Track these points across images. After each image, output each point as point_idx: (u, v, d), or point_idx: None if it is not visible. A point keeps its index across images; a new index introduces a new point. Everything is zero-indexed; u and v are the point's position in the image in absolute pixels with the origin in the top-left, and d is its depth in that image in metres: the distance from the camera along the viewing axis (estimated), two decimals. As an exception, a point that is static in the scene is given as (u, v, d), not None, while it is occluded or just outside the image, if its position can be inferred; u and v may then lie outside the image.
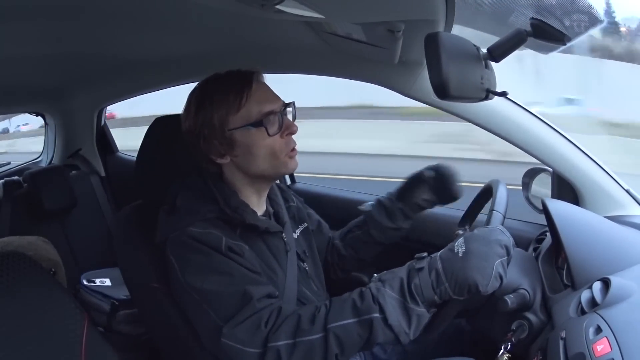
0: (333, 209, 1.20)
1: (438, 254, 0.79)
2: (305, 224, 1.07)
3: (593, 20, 0.75)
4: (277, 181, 1.10)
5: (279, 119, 0.88)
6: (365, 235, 1.09)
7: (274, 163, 0.89)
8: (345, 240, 1.13)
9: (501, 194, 0.91)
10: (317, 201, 1.18)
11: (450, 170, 1.04)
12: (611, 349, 0.62)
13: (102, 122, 2.13)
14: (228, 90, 0.86)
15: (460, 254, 0.76)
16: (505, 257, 0.76)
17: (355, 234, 1.11)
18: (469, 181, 1.28)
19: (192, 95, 0.90)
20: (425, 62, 0.68)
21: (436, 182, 1.04)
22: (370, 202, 1.11)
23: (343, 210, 1.20)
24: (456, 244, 0.78)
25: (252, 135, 0.86)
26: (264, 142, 0.87)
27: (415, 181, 1.06)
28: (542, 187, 1.21)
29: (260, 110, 0.86)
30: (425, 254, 0.80)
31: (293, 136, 0.91)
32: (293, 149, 0.90)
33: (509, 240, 0.78)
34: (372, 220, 1.08)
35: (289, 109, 0.91)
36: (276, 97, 0.90)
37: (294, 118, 0.92)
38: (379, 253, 1.12)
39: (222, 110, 0.86)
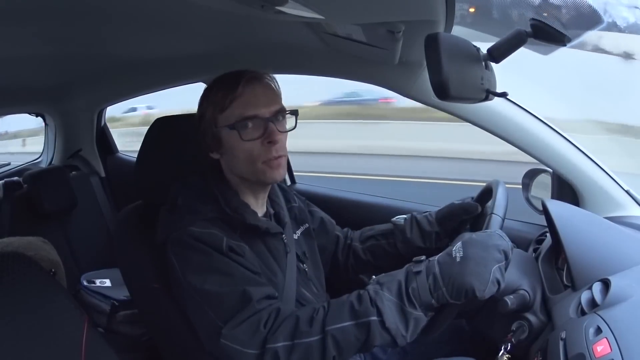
0: (333, 210, 1.20)
1: (436, 258, 0.79)
2: (307, 225, 1.07)
3: (594, 20, 0.76)
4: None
5: (264, 125, 0.86)
6: (390, 247, 1.08)
7: (251, 169, 0.88)
8: (367, 244, 1.11)
9: (501, 196, 0.91)
10: (316, 201, 1.18)
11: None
12: (611, 349, 0.62)
13: (102, 123, 2.13)
14: (219, 90, 0.87)
15: (458, 259, 0.76)
16: (503, 262, 0.76)
17: (380, 243, 1.09)
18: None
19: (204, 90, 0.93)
20: (425, 63, 0.68)
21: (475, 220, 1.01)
22: (403, 216, 1.08)
23: (343, 210, 1.20)
24: (454, 249, 0.78)
25: (231, 137, 0.87)
26: (241, 145, 0.87)
27: (463, 211, 1.03)
28: (542, 187, 1.21)
29: (242, 114, 0.86)
30: (423, 257, 0.80)
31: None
32: (276, 159, 0.87)
33: (507, 245, 0.78)
34: (402, 236, 1.06)
35: (284, 117, 0.89)
36: (268, 103, 0.87)
37: (294, 127, 0.92)
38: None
39: (211, 108, 0.88)
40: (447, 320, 0.81)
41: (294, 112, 0.91)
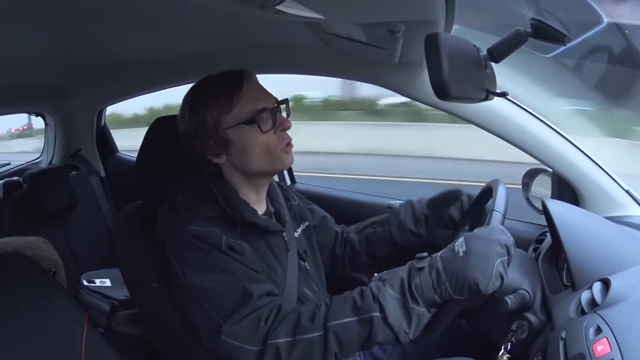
0: (332, 209, 1.20)
1: (439, 253, 0.79)
2: (307, 223, 1.07)
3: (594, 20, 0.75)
4: (277, 180, 1.10)
5: (272, 115, 0.89)
6: (385, 233, 1.11)
7: (269, 160, 0.89)
8: (362, 234, 1.14)
9: (501, 194, 0.91)
10: (316, 201, 1.18)
11: (484, 211, 1.03)
12: (611, 349, 0.62)
13: (102, 123, 2.14)
14: (219, 91, 0.87)
15: (461, 254, 0.76)
16: (506, 257, 0.76)
17: (375, 230, 1.13)
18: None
19: (185, 98, 0.91)
20: (425, 63, 0.68)
21: (469, 208, 1.06)
22: (400, 201, 1.13)
23: (343, 210, 1.20)
24: (457, 244, 0.78)
25: (245, 134, 0.87)
26: (257, 139, 0.88)
27: (451, 195, 1.08)
28: (542, 187, 1.21)
29: (253, 108, 0.87)
30: (425, 253, 0.80)
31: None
32: (288, 144, 0.91)
33: (509, 239, 0.78)
34: (397, 219, 1.10)
35: (282, 106, 0.93)
36: (268, 95, 0.91)
37: (288, 115, 0.94)
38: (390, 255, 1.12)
39: (215, 111, 0.87)
40: (449, 318, 0.81)
41: (285, 101, 0.93)
